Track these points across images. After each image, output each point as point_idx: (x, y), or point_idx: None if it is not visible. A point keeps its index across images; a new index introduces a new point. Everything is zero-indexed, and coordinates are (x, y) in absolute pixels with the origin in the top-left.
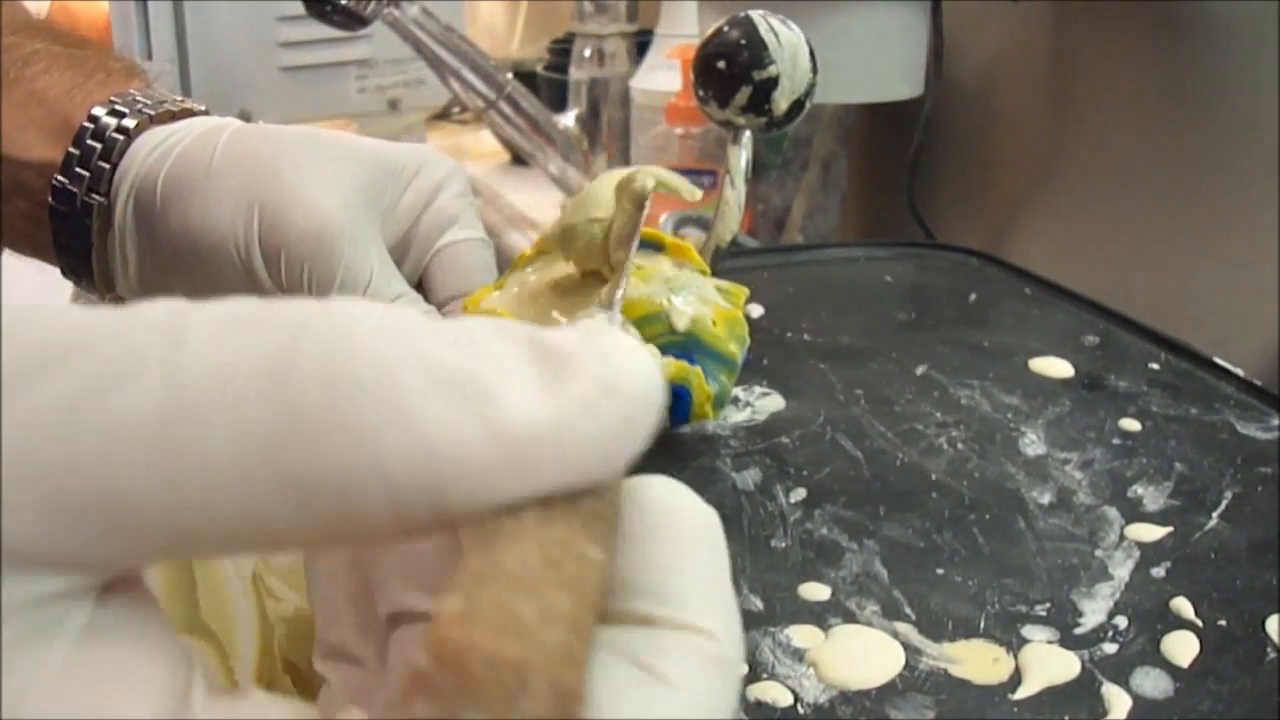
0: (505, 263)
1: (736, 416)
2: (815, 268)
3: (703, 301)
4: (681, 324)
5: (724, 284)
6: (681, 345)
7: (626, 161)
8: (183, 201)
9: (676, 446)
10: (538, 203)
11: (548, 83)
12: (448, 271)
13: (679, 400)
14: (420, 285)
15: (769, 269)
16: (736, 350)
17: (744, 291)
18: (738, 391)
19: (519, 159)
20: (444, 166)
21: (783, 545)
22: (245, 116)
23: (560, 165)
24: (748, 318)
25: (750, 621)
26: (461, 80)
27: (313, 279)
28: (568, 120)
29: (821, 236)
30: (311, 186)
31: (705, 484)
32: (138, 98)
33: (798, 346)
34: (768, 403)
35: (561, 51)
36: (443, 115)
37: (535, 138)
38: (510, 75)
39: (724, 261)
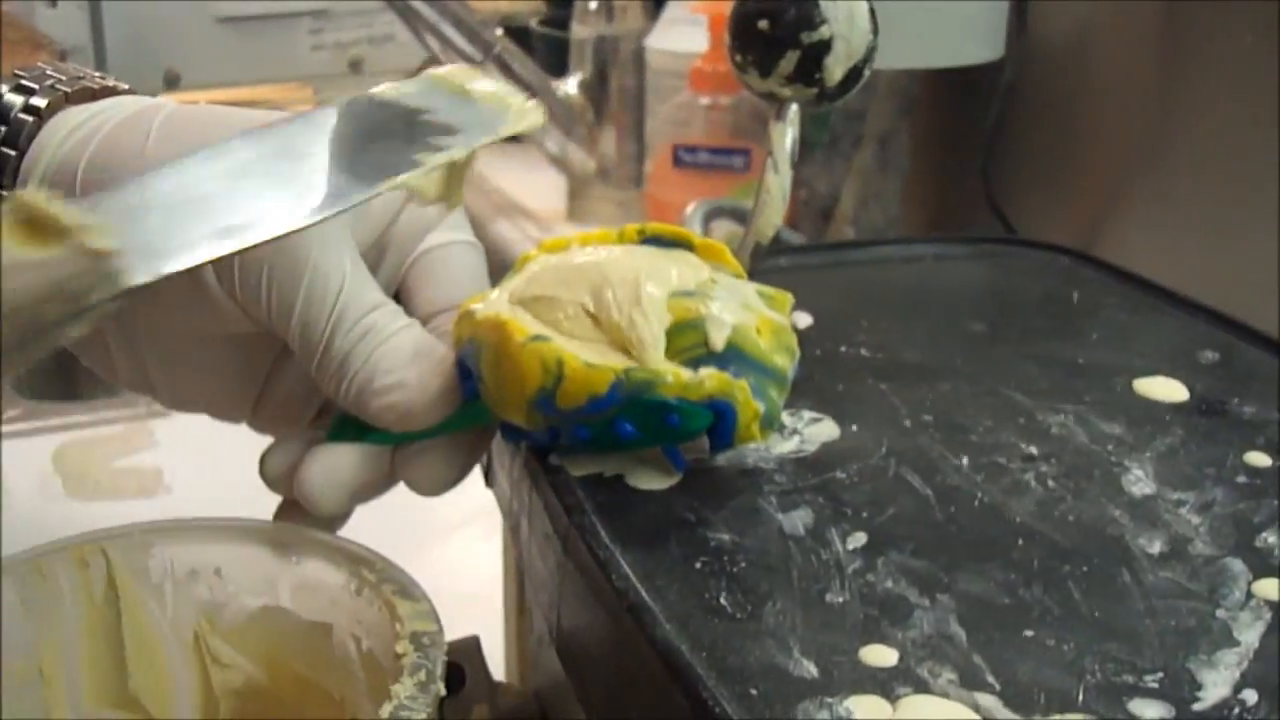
0: (494, 262)
1: (782, 446)
2: (872, 268)
3: (745, 308)
4: (720, 337)
5: (767, 289)
6: (721, 358)
7: (639, 139)
8: None
9: (709, 481)
10: (533, 187)
11: (545, 41)
12: (431, 280)
13: (721, 420)
14: (399, 296)
15: (816, 270)
16: (786, 363)
17: (789, 298)
18: (783, 417)
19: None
20: None
21: (840, 601)
22: (172, 79)
23: (560, 141)
24: (794, 328)
25: (803, 690)
26: (439, 36)
27: (272, 286)
28: (569, 87)
29: (877, 230)
30: None
31: (746, 527)
32: (48, 72)
33: (853, 363)
34: (819, 430)
35: (562, 3)
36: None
37: None
38: (499, 31)
39: (765, 262)
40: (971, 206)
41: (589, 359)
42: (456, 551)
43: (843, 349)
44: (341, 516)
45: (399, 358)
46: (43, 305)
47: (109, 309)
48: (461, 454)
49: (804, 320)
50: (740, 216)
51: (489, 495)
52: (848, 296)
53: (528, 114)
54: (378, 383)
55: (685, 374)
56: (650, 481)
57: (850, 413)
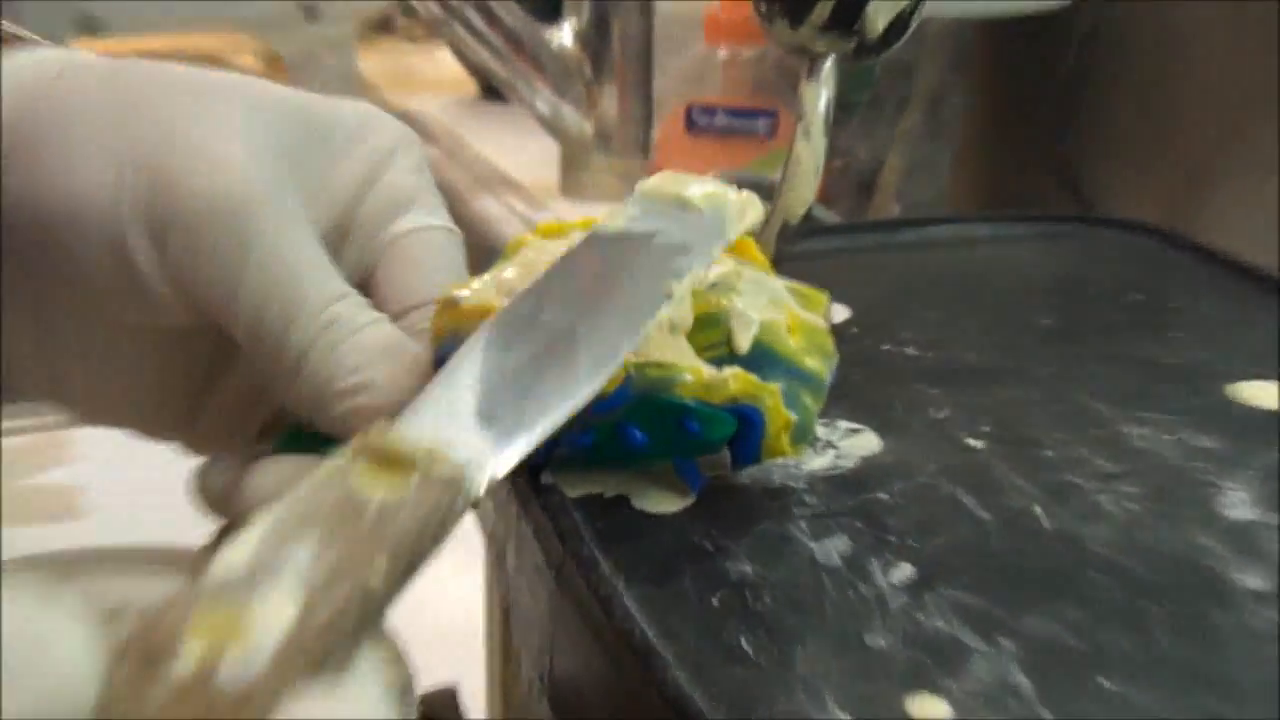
0: (474, 244)
1: (815, 462)
2: (921, 252)
3: (774, 305)
4: (746, 335)
5: (799, 286)
6: (747, 360)
7: (645, 99)
8: (25, 159)
9: (729, 503)
10: (520, 156)
11: None
12: (403, 271)
13: (746, 429)
14: (363, 289)
15: (855, 254)
16: (821, 367)
17: (825, 297)
18: (818, 427)
19: (492, 91)
20: (393, 131)
21: (882, 644)
22: (87, 24)
23: (551, 100)
24: (830, 324)
25: None
26: None
27: (217, 267)
28: (562, 37)
29: (927, 206)
30: (216, 143)
31: (772, 557)
32: None
33: (898, 365)
34: (858, 443)
35: None
36: (382, 28)
37: (516, 61)
38: None
39: (794, 245)
40: (1039, 178)
41: None
42: (428, 584)
43: (886, 347)
44: None
45: (366, 355)
46: (419, 543)
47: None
48: None
49: (841, 314)
50: (765, 191)
51: (468, 518)
52: (892, 285)
53: (747, 209)
54: (340, 383)
55: (707, 372)
56: (660, 503)
57: (894, 423)
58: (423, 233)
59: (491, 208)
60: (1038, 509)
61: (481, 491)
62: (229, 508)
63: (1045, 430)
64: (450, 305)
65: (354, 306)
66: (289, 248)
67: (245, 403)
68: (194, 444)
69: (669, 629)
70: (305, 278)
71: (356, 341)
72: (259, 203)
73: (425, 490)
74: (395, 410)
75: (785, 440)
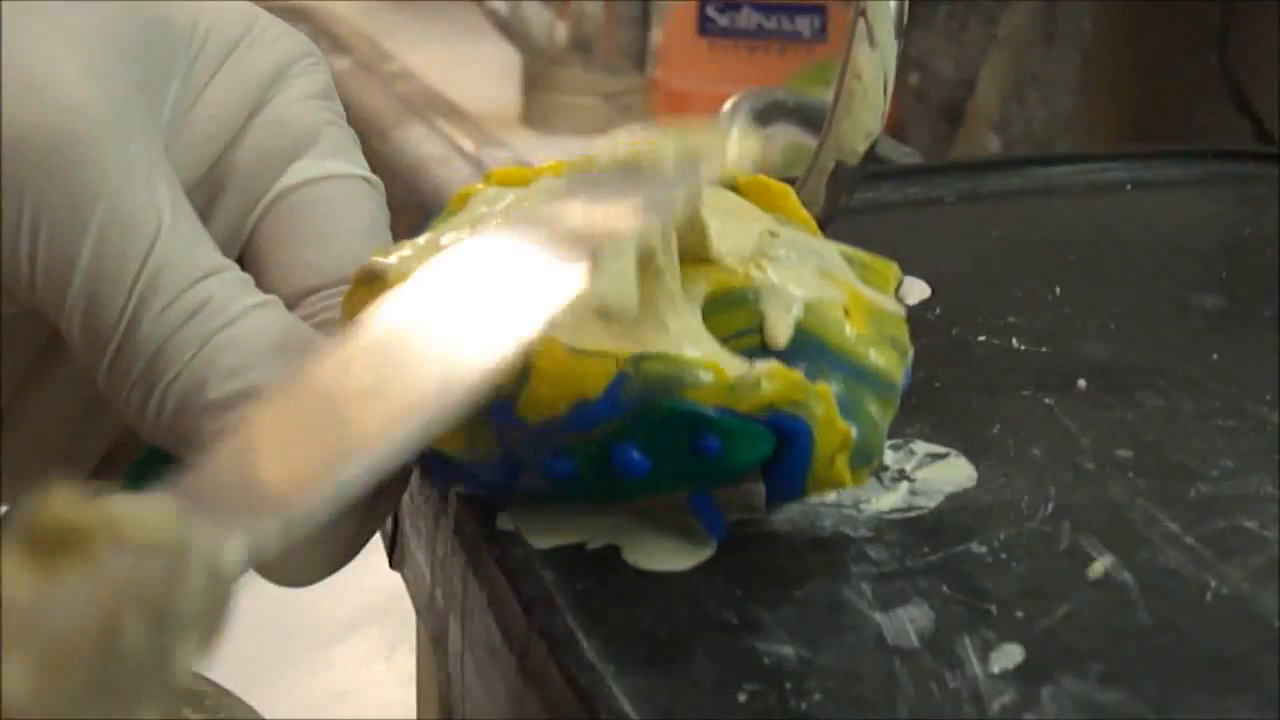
0: (401, 195)
1: (884, 500)
2: (1029, 204)
3: (824, 277)
4: (785, 322)
5: (859, 253)
6: (789, 353)
7: None
8: None
9: (761, 557)
10: (464, 69)
11: None
12: (298, 237)
13: (788, 449)
14: (245, 261)
15: (937, 208)
16: (892, 364)
17: (894, 269)
18: (885, 451)
19: None
20: (284, 42)
21: None
22: None
23: None
24: (900, 303)
25: None
26: None
27: (40, 230)
28: None
29: (1040, 140)
30: (44, 57)
31: (822, 634)
32: None
33: (998, 363)
34: (942, 474)
35: None
36: None
37: None
38: None
39: (853, 194)
40: (1198, 100)
41: (574, 343)
42: (343, 672)
43: (980, 338)
44: None
45: (249, 352)
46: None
47: None
48: (347, 519)
49: (917, 291)
50: (811, 118)
51: (392, 583)
52: (989, 252)
53: (722, 146)
54: (214, 392)
55: (732, 367)
56: (665, 558)
57: (993, 445)
58: (326, 184)
59: (426, 144)
60: (1197, 567)
61: (242, 561)
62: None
63: (1206, 455)
64: (369, 280)
65: (231, 285)
66: (141, 208)
67: (73, 423)
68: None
69: None
70: (162, 246)
71: (235, 334)
72: (99, 141)
73: (105, 571)
74: None
75: (842, 465)
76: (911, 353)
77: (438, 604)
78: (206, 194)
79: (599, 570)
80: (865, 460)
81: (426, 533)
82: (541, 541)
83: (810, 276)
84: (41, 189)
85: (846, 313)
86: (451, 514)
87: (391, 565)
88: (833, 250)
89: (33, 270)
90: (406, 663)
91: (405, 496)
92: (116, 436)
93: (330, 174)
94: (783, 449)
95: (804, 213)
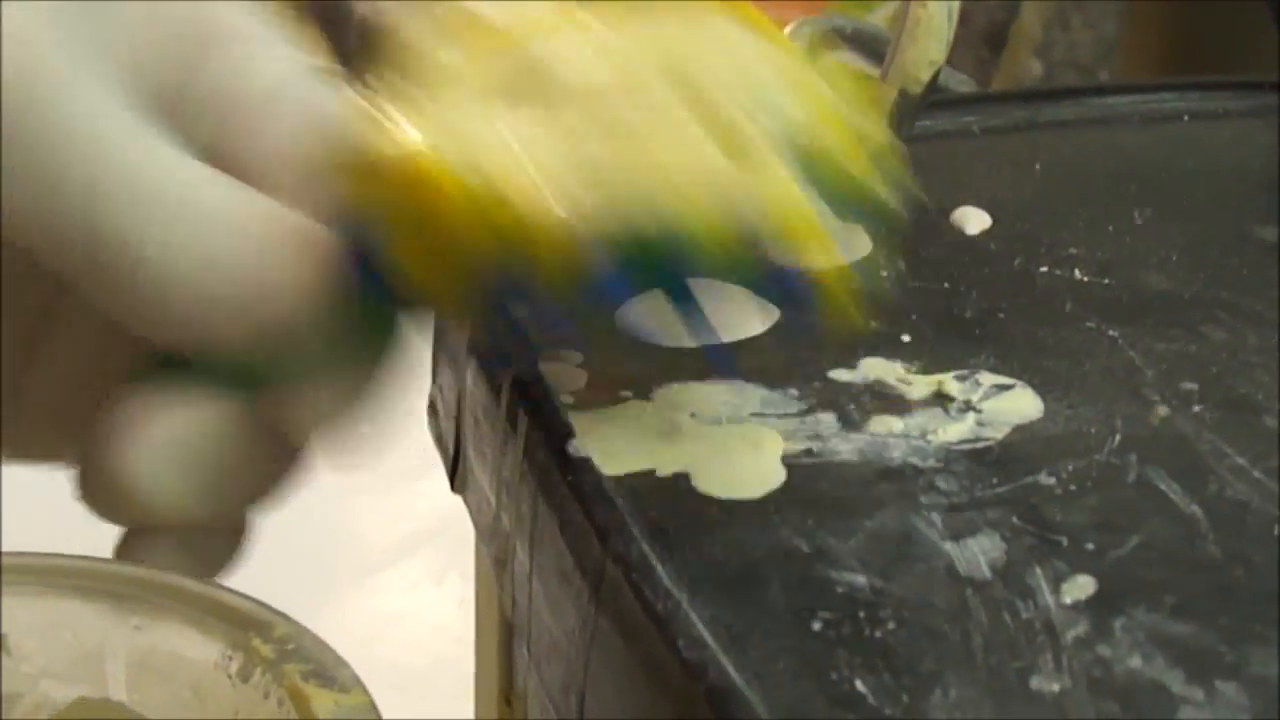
0: None
1: (951, 430)
2: (1088, 133)
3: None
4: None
5: (830, 65)
6: None
7: None
8: None
9: (831, 487)
10: None
11: None
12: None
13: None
14: None
15: (995, 137)
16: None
17: (869, 82)
18: (951, 382)
19: None
20: None
21: (1054, 688)
22: None
23: None
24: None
25: None
26: None
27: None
28: None
29: (1083, 65)
30: None
31: (893, 564)
32: None
33: (1061, 294)
34: (1008, 406)
35: None
36: None
37: None
38: None
39: (915, 121)
40: (1243, 26)
41: None
42: (394, 596)
43: (1043, 270)
44: (228, 541)
45: (224, 231)
46: None
47: None
48: (356, 400)
49: (978, 221)
50: (870, 44)
51: (442, 507)
52: (1049, 181)
53: None
54: (187, 270)
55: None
56: (734, 486)
57: (1059, 377)
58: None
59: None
60: (1266, 499)
61: None
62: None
63: (1271, 387)
64: (369, 163)
65: (198, 176)
66: (107, 123)
67: (86, 369)
68: (16, 446)
69: (754, 663)
70: (126, 153)
71: (208, 217)
72: (49, 82)
73: None
74: (279, 302)
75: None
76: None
77: (504, 528)
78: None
79: (670, 498)
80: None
81: (493, 457)
82: (612, 468)
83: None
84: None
85: (827, 124)
86: (520, 439)
87: (453, 488)
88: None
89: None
90: (457, 587)
91: (470, 420)
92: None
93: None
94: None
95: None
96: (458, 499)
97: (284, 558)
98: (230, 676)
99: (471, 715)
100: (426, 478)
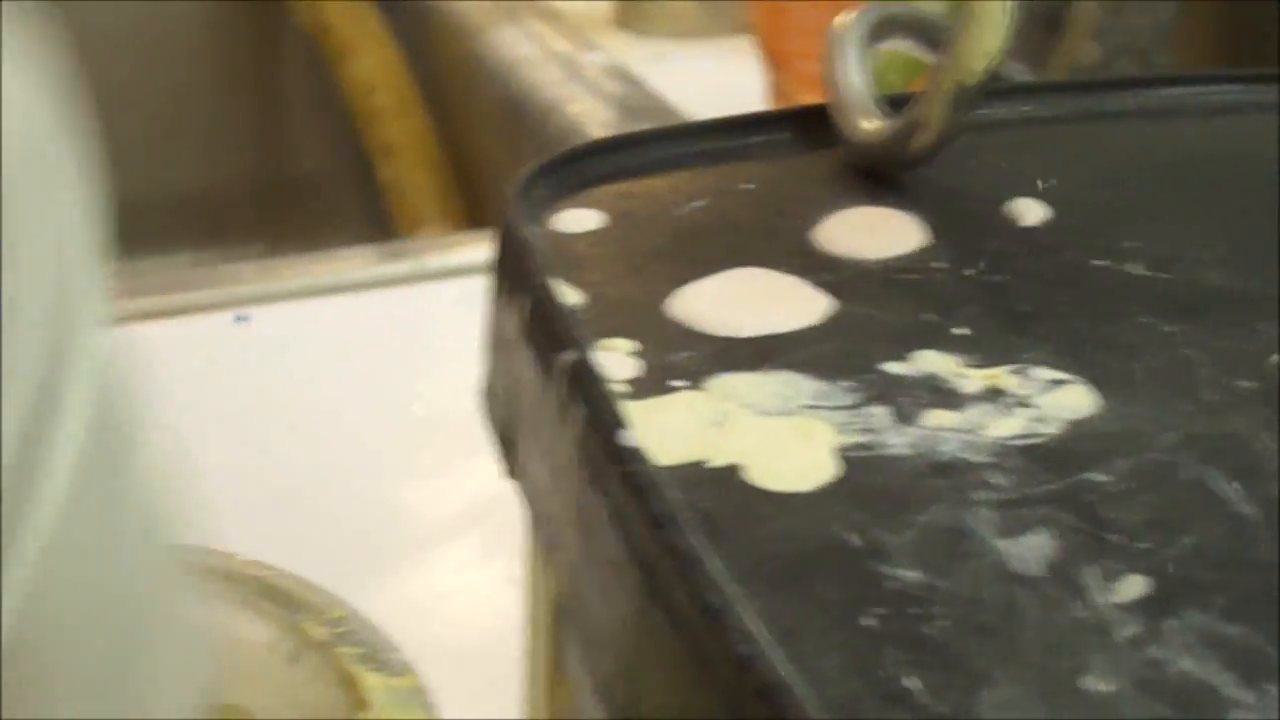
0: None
1: (1003, 425)
2: (1146, 124)
3: None
4: None
5: None
6: None
7: None
8: None
9: (883, 481)
10: None
11: None
12: None
13: None
14: None
15: (1051, 126)
16: None
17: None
18: (1005, 376)
19: None
20: None
21: (1106, 689)
22: None
23: None
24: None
25: None
26: None
27: None
28: None
29: (1138, 52)
30: None
31: (946, 560)
32: None
33: (1118, 288)
34: (1062, 401)
35: None
36: None
37: None
38: None
39: (973, 112)
40: None
41: None
42: (441, 575)
43: (1099, 263)
44: None
45: None
46: None
47: None
48: None
49: (1034, 213)
50: (927, 33)
51: (489, 489)
52: (1107, 173)
53: None
54: None
55: None
56: (787, 478)
57: (1114, 373)
58: None
59: (519, 46)
60: None
61: None
62: None
63: None
64: None
65: None
66: None
67: None
68: None
69: (805, 658)
70: None
71: None
72: None
73: None
74: None
75: None
76: None
77: (555, 515)
78: None
79: (721, 489)
80: None
81: (545, 445)
82: (664, 458)
83: None
84: None
85: None
86: (573, 428)
87: (506, 474)
88: None
89: None
90: (505, 568)
91: (522, 406)
92: None
93: None
94: None
95: None
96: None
97: (334, 536)
98: (282, 659)
99: (519, 693)
100: (476, 458)
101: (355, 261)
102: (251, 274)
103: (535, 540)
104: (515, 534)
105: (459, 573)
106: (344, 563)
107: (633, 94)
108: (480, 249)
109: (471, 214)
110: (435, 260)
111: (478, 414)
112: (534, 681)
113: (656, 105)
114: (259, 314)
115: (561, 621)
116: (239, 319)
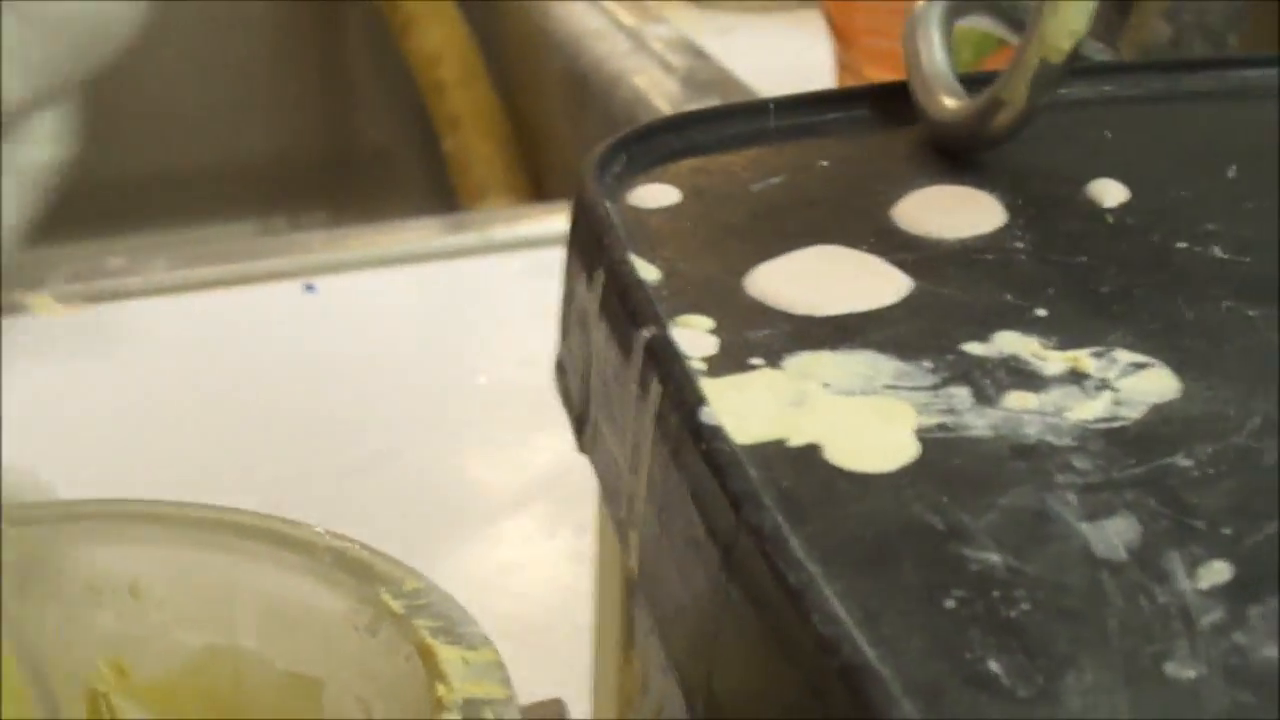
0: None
1: (1086, 409)
2: (1228, 106)
3: None
4: None
5: None
6: None
7: None
8: None
9: (965, 463)
10: None
11: None
12: None
13: None
14: None
15: (1130, 106)
16: None
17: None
18: (1086, 359)
19: None
20: None
21: (1190, 675)
22: None
23: None
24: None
25: None
26: None
27: None
28: None
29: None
30: None
31: (1028, 543)
32: None
33: (1200, 271)
34: (1145, 385)
35: None
36: None
37: None
38: None
39: (1055, 91)
40: None
41: None
42: (508, 548)
43: (1181, 245)
44: None
45: None
46: None
47: None
48: None
49: (1115, 194)
50: (1007, 11)
51: (556, 461)
52: (1187, 154)
53: None
54: None
55: None
56: (867, 458)
57: (1197, 356)
58: None
59: (586, 18)
60: None
61: None
62: None
63: None
64: None
65: None
66: None
67: None
68: None
69: (887, 639)
70: None
71: None
72: None
73: None
74: None
75: None
76: None
77: (631, 491)
78: None
79: (801, 469)
80: None
81: (622, 420)
82: (743, 437)
83: None
84: None
85: None
86: (651, 404)
87: (580, 448)
88: None
89: None
90: (570, 541)
91: (599, 382)
92: None
93: None
94: None
95: None
96: (571, 454)
97: (397, 506)
98: (358, 630)
99: (584, 668)
100: (541, 430)
101: (422, 232)
102: (320, 243)
103: (608, 516)
104: (581, 506)
105: (524, 545)
106: (407, 533)
107: (699, 67)
108: (546, 221)
109: (535, 186)
110: (501, 232)
111: (546, 386)
112: (603, 656)
113: (723, 78)
114: (326, 283)
115: (633, 598)
116: (307, 288)
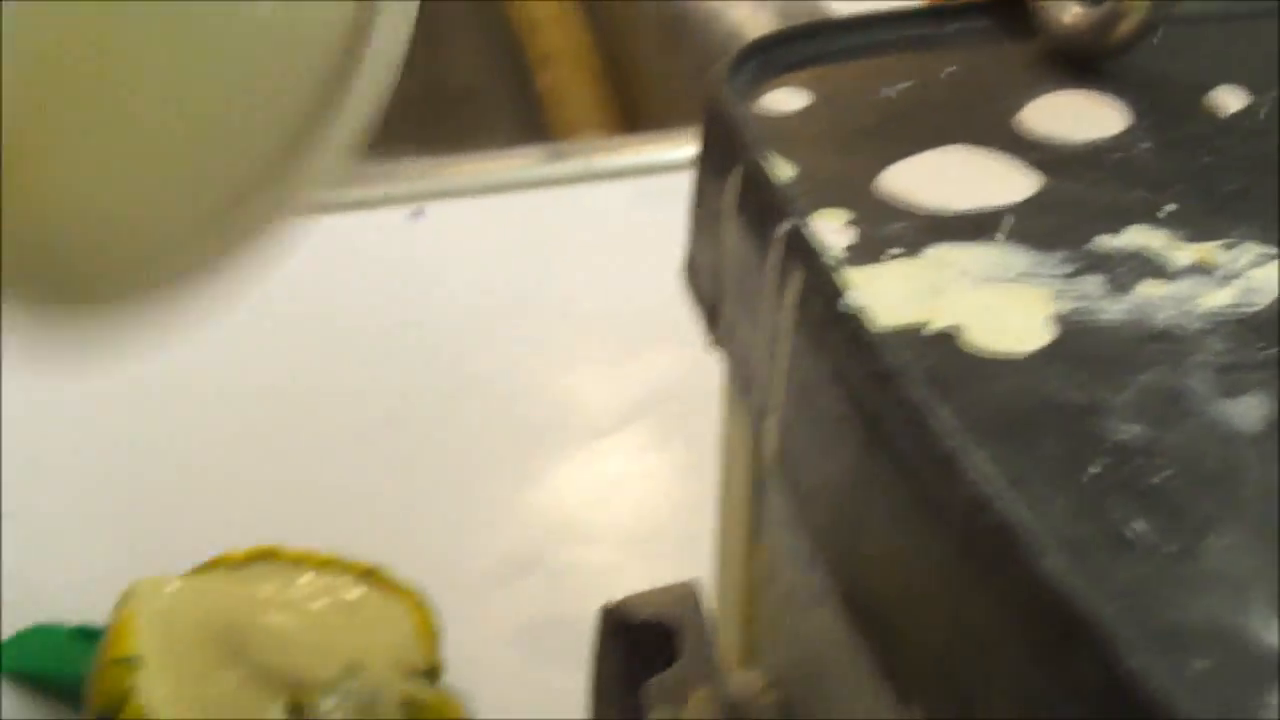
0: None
1: (1215, 297)
2: None
3: None
4: None
5: None
6: None
7: None
8: None
9: (1099, 346)
10: None
11: None
12: None
13: None
14: None
15: (1251, 20)
16: None
17: None
18: (1216, 251)
19: None
20: None
21: None
22: None
23: None
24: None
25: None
26: None
27: None
28: None
29: None
30: None
31: (1166, 417)
32: None
33: None
34: (1273, 274)
35: None
36: None
37: None
38: None
39: (1175, 3)
40: None
41: None
42: (616, 462)
43: None
44: None
45: None
46: None
47: None
48: None
49: (1235, 100)
50: None
51: (660, 378)
52: None
53: None
54: None
55: None
56: (1005, 341)
57: None
58: None
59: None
60: None
61: None
62: None
63: None
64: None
65: None
66: None
67: None
68: None
69: (1033, 502)
70: None
71: None
72: None
73: None
74: None
75: None
76: None
77: (770, 379)
78: None
79: (941, 351)
80: None
81: (759, 312)
82: (883, 321)
83: None
84: None
85: None
86: (791, 293)
87: (713, 342)
88: None
89: None
90: (680, 454)
91: (732, 276)
92: None
93: None
94: None
95: None
96: (678, 371)
97: (508, 425)
98: None
99: (698, 571)
100: (643, 353)
101: (525, 160)
102: (426, 170)
103: (735, 408)
104: (689, 422)
105: (632, 459)
106: (519, 450)
107: (793, 2)
108: (646, 151)
109: (629, 123)
110: (602, 161)
111: (648, 309)
112: (729, 550)
113: (818, 11)
114: (433, 209)
115: (759, 491)
116: (414, 214)
